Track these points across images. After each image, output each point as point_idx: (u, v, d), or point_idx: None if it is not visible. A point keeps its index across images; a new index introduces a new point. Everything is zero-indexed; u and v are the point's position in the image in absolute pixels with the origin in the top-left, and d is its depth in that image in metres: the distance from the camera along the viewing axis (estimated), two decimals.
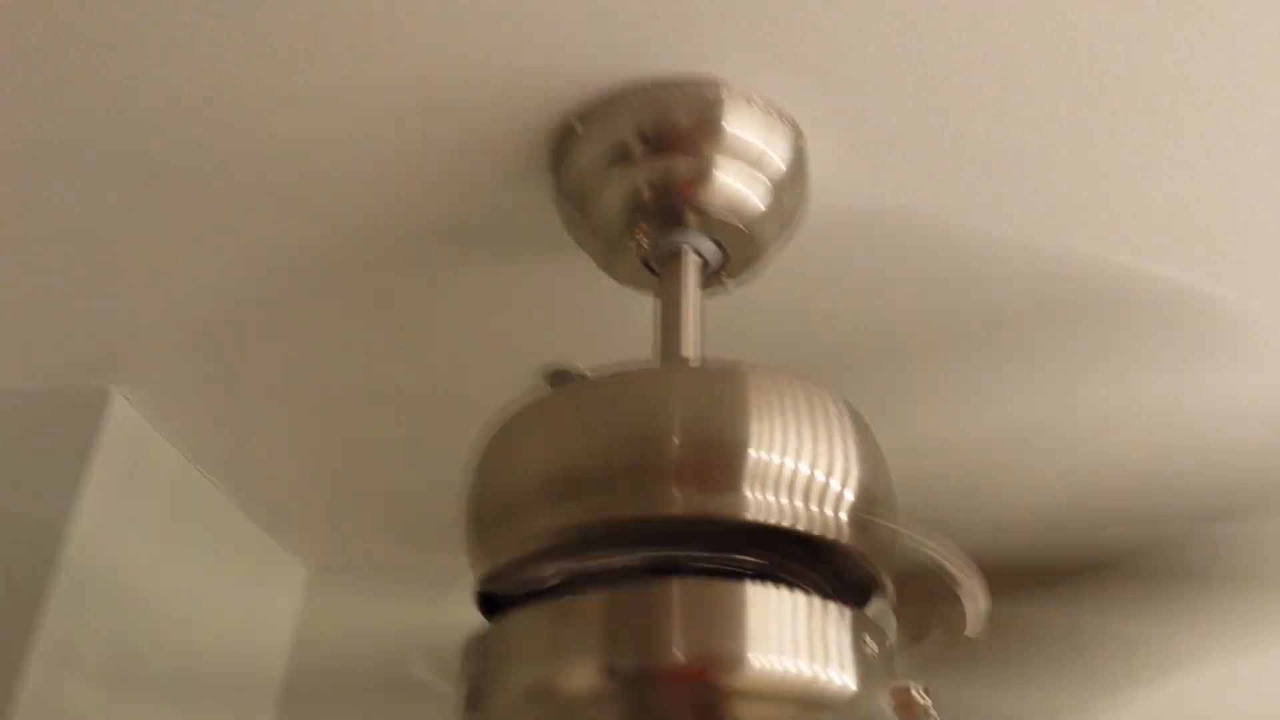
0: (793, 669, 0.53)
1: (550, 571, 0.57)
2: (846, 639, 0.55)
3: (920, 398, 0.89)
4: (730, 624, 0.53)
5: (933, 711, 0.58)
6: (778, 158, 0.72)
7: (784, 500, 0.56)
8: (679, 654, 0.52)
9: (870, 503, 0.59)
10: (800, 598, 0.55)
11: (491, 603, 0.60)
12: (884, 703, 0.57)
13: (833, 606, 0.56)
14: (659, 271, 0.73)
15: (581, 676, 0.53)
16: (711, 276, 0.75)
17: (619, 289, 0.77)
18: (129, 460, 1.06)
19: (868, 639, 0.56)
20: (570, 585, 0.56)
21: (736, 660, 0.52)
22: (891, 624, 0.61)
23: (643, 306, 0.74)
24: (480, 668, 0.57)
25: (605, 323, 0.84)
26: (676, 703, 0.53)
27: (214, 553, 1.22)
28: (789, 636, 0.53)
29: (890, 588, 0.61)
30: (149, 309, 0.93)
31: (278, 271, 0.87)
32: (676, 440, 0.57)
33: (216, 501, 1.20)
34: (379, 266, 0.86)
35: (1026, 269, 0.81)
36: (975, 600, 0.62)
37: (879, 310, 0.86)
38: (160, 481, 1.11)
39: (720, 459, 0.56)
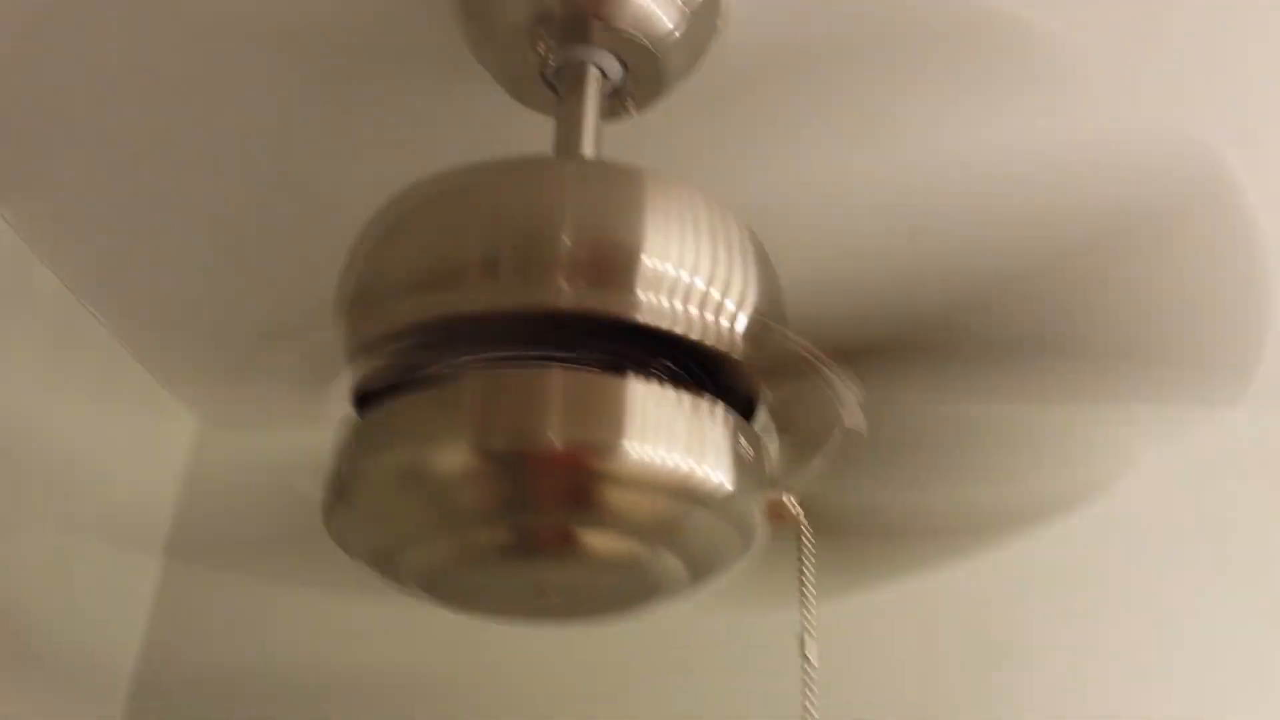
0: (669, 461, 0.51)
1: (427, 360, 0.53)
2: (724, 440, 0.53)
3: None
4: (609, 413, 0.51)
5: (804, 521, 0.57)
6: None
7: (676, 305, 0.53)
8: (554, 438, 0.50)
9: (761, 320, 0.57)
10: (682, 395, 0.53)
11: (365, 398, 0.56)
12: (757, 508, 0.56)
13: (713, 407, 0.54)
14: (560, 89, 0.69)
15: (453, 457, 0.50)
16: (614, 99, 0.70)
17: (518, 110, 0.73)
18: (6, 286, 0.98)
19: (744, 443, 0.54)
20: (447, 372, 0.52)
21: (612, 448, 0.50)
22: (771, 437, 0.60)
23: (543, 131, 0.69)
24: (351, 456, 0.54)
25: (502, 146, 0.79)
26: (551, 487, 0.51)
27: (96, 394, 1.15)
28: (667, 430, 0.51)
29: (772, 402, 0.59)
30: (31, 119, 0.85)
31: (163, 85, 0.80)
32: (568, 232, 0.53)
33: (100, 338, 1.13)
34: (266, 80, 0.79)
35: None
36: (854, 420, 0.60)
37: (782, 151, 0.82)
38: (39, 311, 1.03)
39: (613, 256, 0.53)
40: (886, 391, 0.58)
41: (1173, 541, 1.02)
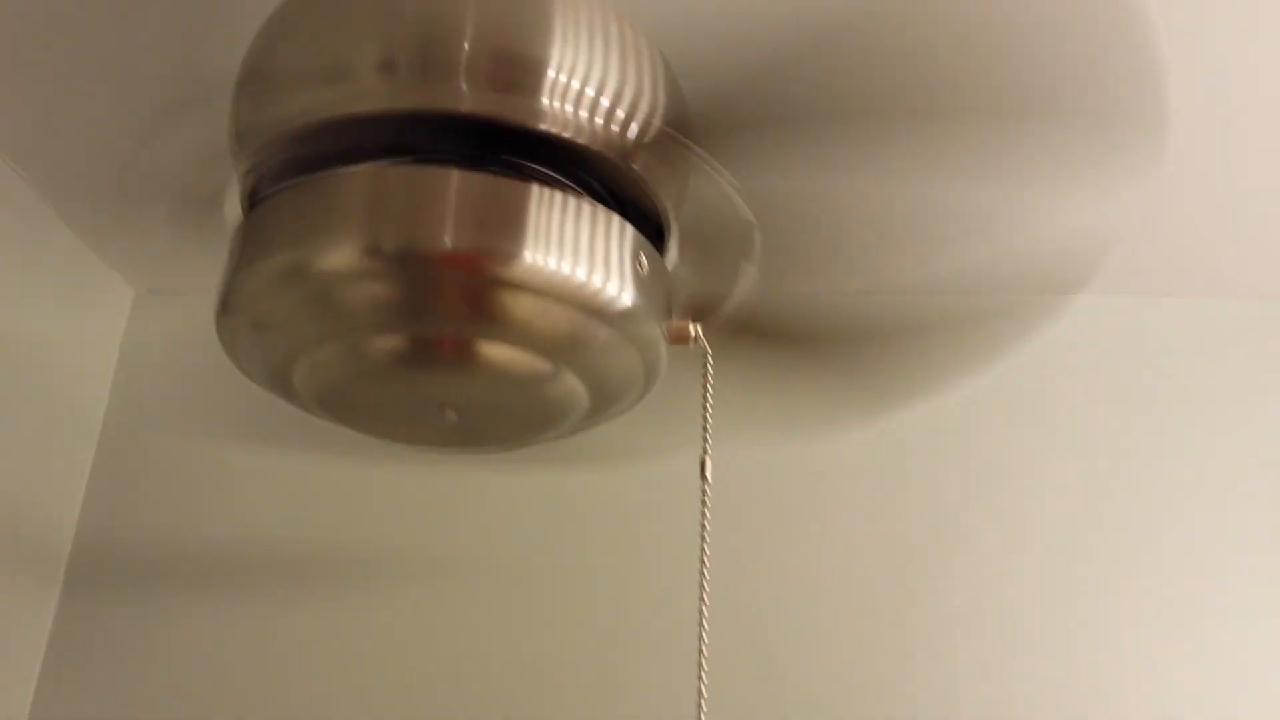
0: (567, 270, 0.47)
1: (321, 163, 0.49)
2: (625, 256, 0.50)
3: None
4: (507, 218, 0.47)
5: (705, 343, 0.55)
6: None
7: (579, 113, 0.49)
8: (449, 240, 0.46)
9: (664, 133, 0.54)
10: (585, 206, 0.49)
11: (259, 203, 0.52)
12: (659, 334, 0.53)
13: (616, 223, 0.50)
14: None
15: (340, 255, 0.46)
16: None
17: None
18: None
19: (643, 259, 0.51)
20: (339, 172, 0.48)
21: (510, 254, 0.47)
22: (673, 262, 0.57)
23: None
24: (235, 260, 0.49)
25: None
26: (446, 290, 0.47)
27: (28, 263, 1.09)
28: (568, 240, 0.48)
29: (676, 226, 0.56)
30: None
31: None
32: (471, 33, 0.49)
33: (32, 204, 1.06)
34: None
35: None
36: (756, 244, 0.57)
37: None
38: None
39: (518, 63, 0.49)
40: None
41: (1087, 414, 1.01)
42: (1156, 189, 0.86)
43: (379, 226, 0.46)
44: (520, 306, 0.48)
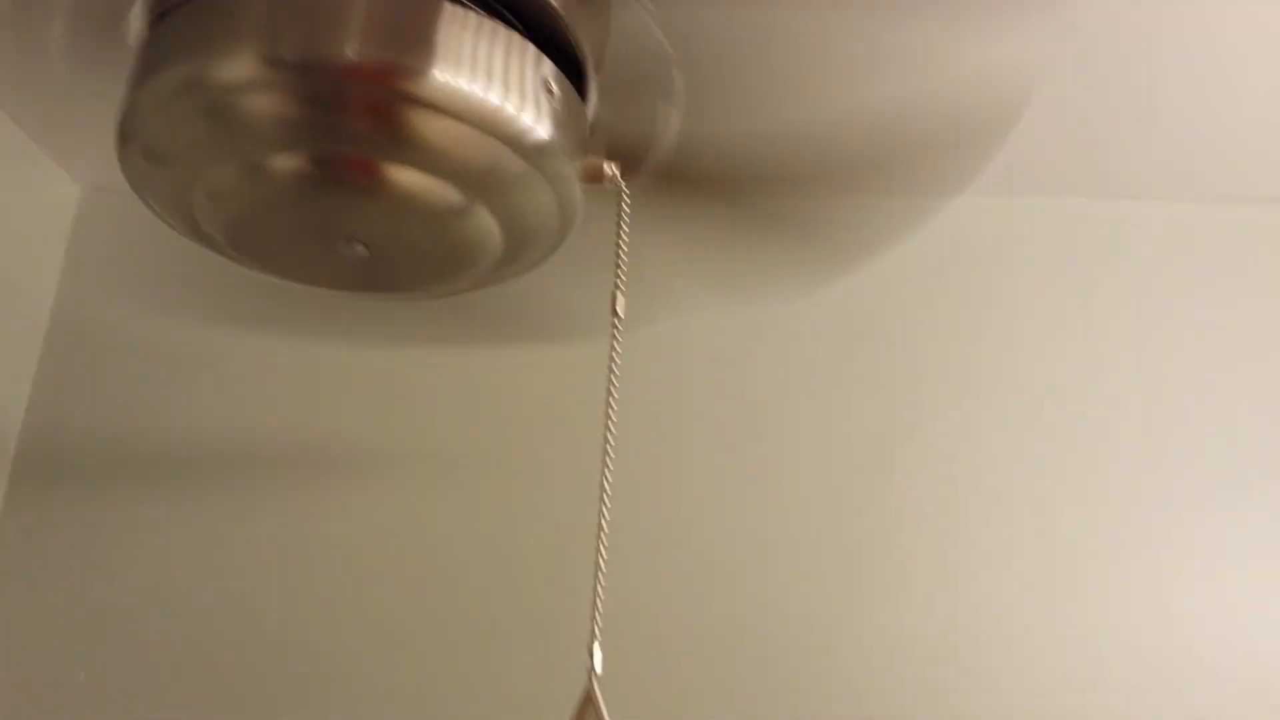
0: (479, 92, 0.45)
1: None
2: (540, 86, 0.48)
3: None
4: (415, 32, 0.45)
5: (622, 184, 0.53)
6: None
7: None
8: (351, 50, 0.43)
9: None
10: (500, 30, 0.47)
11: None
12: (573, 167, 0.50)
13: (530, 49, 0.48)
14: None
15: (237, 65, 0.43)
16: None
17: None
18: None
19: (553, 85, 0.48)
20: None
21: (417, 69, 0.44)
22: (593, 107, 0.54)
23: None
24: (132, 81, 0.46)
25: None
26: (348, 105, 0.45)
27: None
28: (480, 62, 0.45)
29: (595, 71, 0.53)
30: None
31: None
32: None
33: None
34: None
35: None
36: (677, 84, 0.55)
37: None
38: None
39: None
40: None
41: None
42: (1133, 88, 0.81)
43: (278, 36, 0.43)
44: (426, 126, 0.45)
